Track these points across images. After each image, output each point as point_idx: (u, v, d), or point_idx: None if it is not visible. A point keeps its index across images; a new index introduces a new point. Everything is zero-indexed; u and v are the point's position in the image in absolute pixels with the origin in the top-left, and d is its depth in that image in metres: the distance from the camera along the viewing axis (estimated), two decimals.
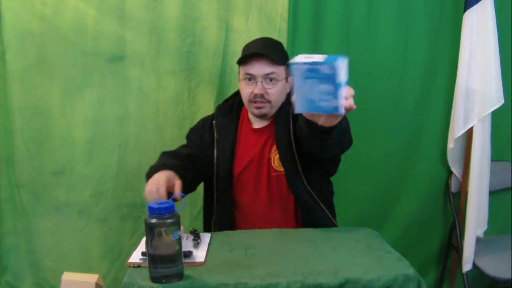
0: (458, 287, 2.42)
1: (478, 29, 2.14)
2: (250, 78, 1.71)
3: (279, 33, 2.21)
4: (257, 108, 1.73)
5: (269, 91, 1.70)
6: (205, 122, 1.89)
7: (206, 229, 1.93)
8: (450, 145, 2.30)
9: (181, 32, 2.17)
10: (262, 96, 1.70)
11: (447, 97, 2.33)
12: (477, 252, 2.20)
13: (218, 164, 1.80)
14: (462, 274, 2.24)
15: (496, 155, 2.34)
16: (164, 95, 2.21)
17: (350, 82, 2.36)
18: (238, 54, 2.19)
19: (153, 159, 2.22)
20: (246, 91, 1.73)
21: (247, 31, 2.20)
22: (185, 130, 2.22)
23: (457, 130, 2.23)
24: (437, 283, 2.53)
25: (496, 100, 2.13)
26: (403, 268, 1.39)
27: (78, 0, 2.08)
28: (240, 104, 1.86)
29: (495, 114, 2.21)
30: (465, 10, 2.15)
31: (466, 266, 2.20)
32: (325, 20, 2.24)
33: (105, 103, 2.18)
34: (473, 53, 2.16)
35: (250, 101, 1.73)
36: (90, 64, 2.14)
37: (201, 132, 1.87)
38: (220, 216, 1.82)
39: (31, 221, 2.22)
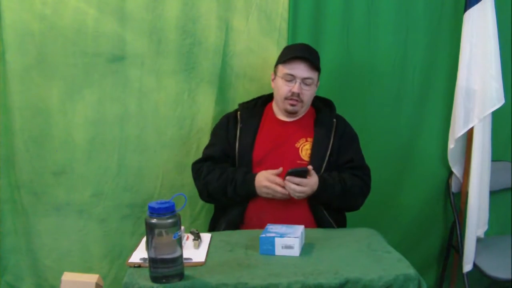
0: (459, 287, 2.42)
1: (478, 29, 2.13)
2: (291, 78, 1.88)
3: (279, 33, 2.21)
4: (291, 105, 1.91)
5: (304, 92, 1.90)
6: (230, 117, 2.02)
7: (212, 226, 1.97)
8: (451, 145, 2.30)
9: (181, 32, 2.17)
10: (298, 95, 1.88)
11: (447, 97, 2.33)
12: (477, 252, 2.20)
13: (239, 151, 1.91)
14: (463, 274, 2.24)
15: (496, 155, 2.34)
16: (164, 95, 2.21)
17: (350, 82, 2.37)
18: (238, 54, 2.21)
19: (153, 159, 2.24)
20: (285, 88, 1.90)
21: (247, 31, 2.20)
22: (185, 130, 2.23)
23: (457, 130, 2.23)
24: (437, 283, 2.53)
25: (497, 100, 2.13)
26: (403, 268, 1.39)
27: (78, 0, 2.08)
28: (265, 103, 2.03)
29: (496, 114, 2.20)
30: (465, 10, 2.15)
31: (467, 267, 2.20)
32: (325, 20, 2.24)
33: (105, 103, 2.17)
34: (473, 53, 2.16)
35: (286, 98, 1.90)
36: (90, 64, 2.13)
37: (226, 126, 1.99)
38: (233, 206, 1.87)
39: (31, 221, 2.21)
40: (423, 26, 2.30)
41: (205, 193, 1.91)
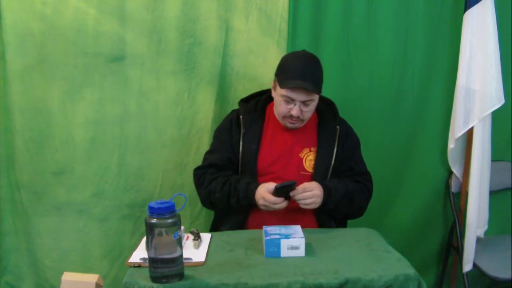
0: (458, 287, 2.42)
1: (478, 29, 2.13)
2: (290, 100, 1.78)
3: (279, 33, 2.21)
4: (291, 123, 1.84)
5: (304, 113, 1.81)
6: (232, 120, 1.94)
7: (214, 228, 1.96)
8: (451, 145, 2.30)
9: (181, 32, 2.17)
10: (298, 116, 1.80)
11: (447, 97, 2.33)
12: (477, 252, 2.20)
13: (243, 158, 1.87)
14: (463, 274, 2.24)
15: (496, 155, 2.34)
16: (164, 95, 2.21)
17: (350, 82, 2.36)
18: (238, 54, 2.21)
19: (153, 159, 2.24)
20: (283, 109, 1.82)
21: (247, 31, 2.21)
22: (185, 130, 2.23)
23: (457, 130, 2.23)
24: (437, 283, 2.53)
25: (497, 100, 2.13)
26: (403, 268, 1.39)
27: (78, 0, 2.08)
28: (264, 104, 1.95)
29: (495, 114, 2.20)
30: (465, 10, 2.15)
31: (467, 266, 2.20)
32: (325, 20, 2.24)
33: (105, 103, 2.18)
34: (473, 53, 2.16)
35: (285, 117, 1.83)
36: (90, 64, 2.13)
37: (229, 131, 1.92)
38: (236, 212, 1.85)
39: (31, 221, 2.21)
40: (423, 26, 2.29)
41: (208, 201, 1.88)
